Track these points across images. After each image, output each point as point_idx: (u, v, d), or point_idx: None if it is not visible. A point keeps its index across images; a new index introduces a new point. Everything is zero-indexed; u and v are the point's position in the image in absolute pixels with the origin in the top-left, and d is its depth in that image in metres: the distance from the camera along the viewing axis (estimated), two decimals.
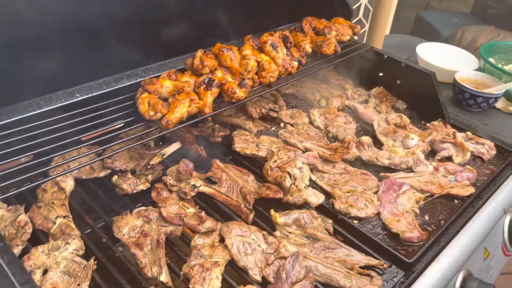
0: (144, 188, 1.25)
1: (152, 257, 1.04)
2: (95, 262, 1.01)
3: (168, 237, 1.11)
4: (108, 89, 1.32)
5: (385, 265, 1.11)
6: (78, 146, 1.18)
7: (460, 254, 1.18)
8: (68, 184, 1.23)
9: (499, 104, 1.91)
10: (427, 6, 5.79)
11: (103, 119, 1.21)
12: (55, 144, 1.09)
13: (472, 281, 1.21)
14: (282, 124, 1.61)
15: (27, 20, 1.11)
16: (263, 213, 1.25)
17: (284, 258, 1.06)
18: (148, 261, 1.03)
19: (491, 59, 2.06)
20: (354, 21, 2.99)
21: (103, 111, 1.23)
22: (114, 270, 1.02)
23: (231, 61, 1.37)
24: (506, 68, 2.05)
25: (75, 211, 1.18)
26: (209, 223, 1.12)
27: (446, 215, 1.29)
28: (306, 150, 1.46)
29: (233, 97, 1.30)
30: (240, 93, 1.31)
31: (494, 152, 1.54)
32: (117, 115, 1.23)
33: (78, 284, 0.96)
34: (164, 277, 0.99)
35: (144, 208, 1.16)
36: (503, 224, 1.43)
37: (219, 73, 1.33)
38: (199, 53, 1.34)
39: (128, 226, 1.09)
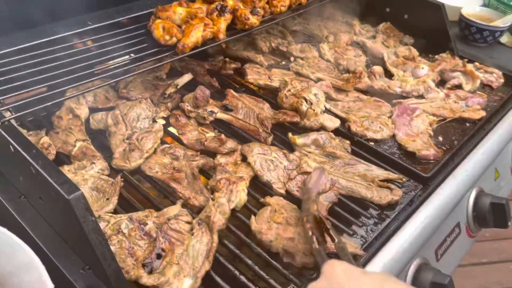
0: (165, 116, 1.25)
1: (192, 189, 1.03)
2: (122, 180, 1.03)
3: (203, 170, 1.12)
4: (119, 18, 1.30)
5: (404, 179, 1.13)
6: (92, 79, 1.17)
7: (473, 171, 1.22)
8: (83, 111, 1.22)
9: (504, 39, 1.91)
10: None
11: (115, 46, 1.20)
12: (70, 76, 1.07)
13: (485, 196, 1.24)
14: (292, 58, 1.61)
15: None
16: (281, 137, 1.26)
17: (307, 173, 1.08)
18: (190, 192, 1.02)
19: None
20: None
21: (114, 39, 1.21)
22: (141, 187, 1.04)
23: None
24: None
25: (97, 139, 1.19)
26: (230, 144, 1.13)
27: (458, 136, 1.32)
28: (318, 80, 1.47)
29: (246, 24, 1.29)
30: (253, 20, 1.29)
31: (502, 80, 1.56)
32: (129, 42, 1.22)
33: (107, 199, 0.98)
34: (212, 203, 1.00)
35: (168, 145, 1.15)
36: None
37: (230, 1, 1.31)
38: None
39: (158, 164, 1.08)
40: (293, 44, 1.67)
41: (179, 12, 1.26)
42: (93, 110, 1.25)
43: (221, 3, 1.28)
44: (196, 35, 1.20)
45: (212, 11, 1.27)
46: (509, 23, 1.83)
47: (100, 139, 1.19)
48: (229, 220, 0.98)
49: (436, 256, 1.13)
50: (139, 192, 1.04)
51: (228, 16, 1.27)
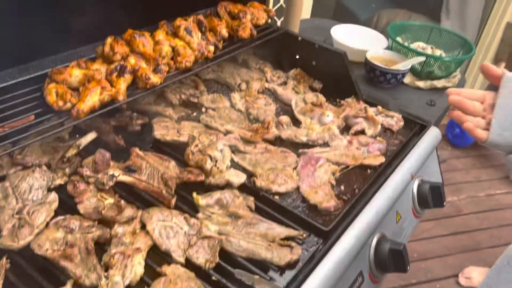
0: (62, 183, 1.20)
1: (85, 266, 0.99)
2: (8, 261, 0.97)
3: (99, 242, 1.08)
4: (12, 81, 1.25)
5: (304, 235, 1.16)
6: None
7: (373, 219, 1.27)
8: None
9: (407, 79, 2.05)
10: None
11: (8, 113, 1.15)
12: None
13: (385, 242, 1.30)
14: (203, 109, 1.62)
15: None
16: (186, 197, 1.25)
17: (207, 237, 1.08)
18: (82, 270, 0.98)
19: (398, 38, 2.20)
20: (276, 7, 3.05)
21: (7, 104, 1.16)
22: (30, 268, 0.99)
23: (144, 47, 1.34)
24: (412, 46, 2.20)
25: None
26: (128, 211, 1.11)
27: (360, 184, 1.38)
28: (227, 132, 1.48)
29: (147, 83, 1.28)
30: (154, 79, 1.29)
31: (402, 123, 1.67)
32: (24, 107, 1.17)
33: None
34: (105, 282, 0.96)
35: (62, 217, 1.09)
36: (412, 189, 1.55)
37: (132, 60, 1.30)
38: (109, 39, 1.31)
39: (49, 240, 1.02)
40: (205, 94, 1.68)
41: (75, 74, 1.23)
42: None
43: (121, 63, 1.27)
44: (92, 99, 1.17)
45: (112, 72, 1.25)
46: (409, 66, 1.97)
47: None
48: None
49: None
50: (28, 274, 0.99)
51: (128, 77, 1.26)
